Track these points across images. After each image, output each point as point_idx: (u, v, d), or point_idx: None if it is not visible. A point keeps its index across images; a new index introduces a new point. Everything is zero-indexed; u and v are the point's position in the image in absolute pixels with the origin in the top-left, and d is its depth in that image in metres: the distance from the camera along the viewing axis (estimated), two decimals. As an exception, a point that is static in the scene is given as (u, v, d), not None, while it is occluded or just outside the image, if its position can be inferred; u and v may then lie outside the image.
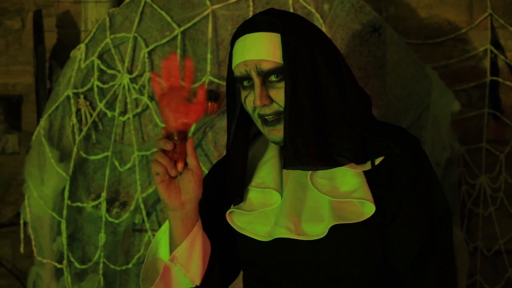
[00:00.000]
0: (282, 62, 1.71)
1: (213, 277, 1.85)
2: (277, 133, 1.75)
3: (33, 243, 3.03)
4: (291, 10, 2.84)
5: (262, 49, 1.72)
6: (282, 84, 1.72)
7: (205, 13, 2.94)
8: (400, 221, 1.73)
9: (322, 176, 1.76)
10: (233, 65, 1.78)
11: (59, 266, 3.03)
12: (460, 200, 3.23)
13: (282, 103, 1.72)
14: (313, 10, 2.87)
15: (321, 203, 1.74)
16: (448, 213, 1.76)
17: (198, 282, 1.81)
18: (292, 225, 1.73)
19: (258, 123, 1.79)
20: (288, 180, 1.81)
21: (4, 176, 3.87)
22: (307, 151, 1.70)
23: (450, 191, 2.91)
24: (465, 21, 3.33)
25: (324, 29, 2.83)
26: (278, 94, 1.73)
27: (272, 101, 1.73)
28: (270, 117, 1.75)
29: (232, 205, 1.84)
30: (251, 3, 2.91)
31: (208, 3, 2.94)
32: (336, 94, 1.74)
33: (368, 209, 1.70)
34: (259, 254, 1.81)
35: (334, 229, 1.69)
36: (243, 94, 1.78)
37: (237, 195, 1.83)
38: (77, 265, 3.02)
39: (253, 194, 1.83)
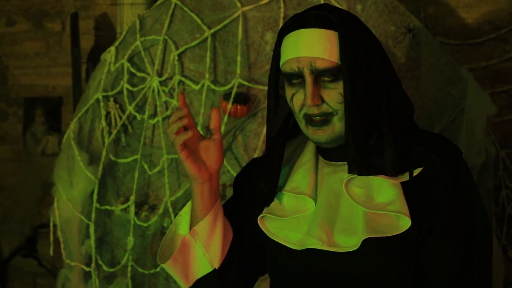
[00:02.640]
0: (338, 62, 1.65)
1: (231, 269, 1.83)
2: (322, 133, 1.70)
3: (61, 245, 3.04)
4: (322, 11, 2.79)
5: (318, 47, 1.65)
6: (335, 85, 1.66)
7: (236, 14, 2.90)
8: (437, 236, 1.67)
9: (358, 185, 1.70)
10: (282, 60, 1.71)
11: (87, 269, 3.04)
12: (500, 205, 3.15)
13: (333, 104, 1.67)
14: (346, 11, 2.81)
15: (355, 213, 1.69)
16: (488, 229, 1.69)
17: (216, 265, 1.79)
18: (325, 235, 1.68)
19: (302, 124, 1.73)
20: (322, 186, 1.76)
21: (44, 177, 3.92)
22: (362, 154, 1.67)
23: (485, 197, 2.82)
24: (506, 21, 3.25)
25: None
26: (330, 95, 1.67)
27: (323, 101, 1.67)
28: (317, 117, 1.69)
29: (264, 209, 1.80)
30: (282, 4, 2.86)
31: (238, 4, 2.90)
32: (384, 98, 1.69)
33: (404, 222, 1.65)
34: (288, 262, 1.77)
35: (367, 242, 1.65)
36: (290, 91, 1.72)
37: (271, 195, 1.79)
38: (105, 268, 3.02)
39: (287, 199, 1.80)
